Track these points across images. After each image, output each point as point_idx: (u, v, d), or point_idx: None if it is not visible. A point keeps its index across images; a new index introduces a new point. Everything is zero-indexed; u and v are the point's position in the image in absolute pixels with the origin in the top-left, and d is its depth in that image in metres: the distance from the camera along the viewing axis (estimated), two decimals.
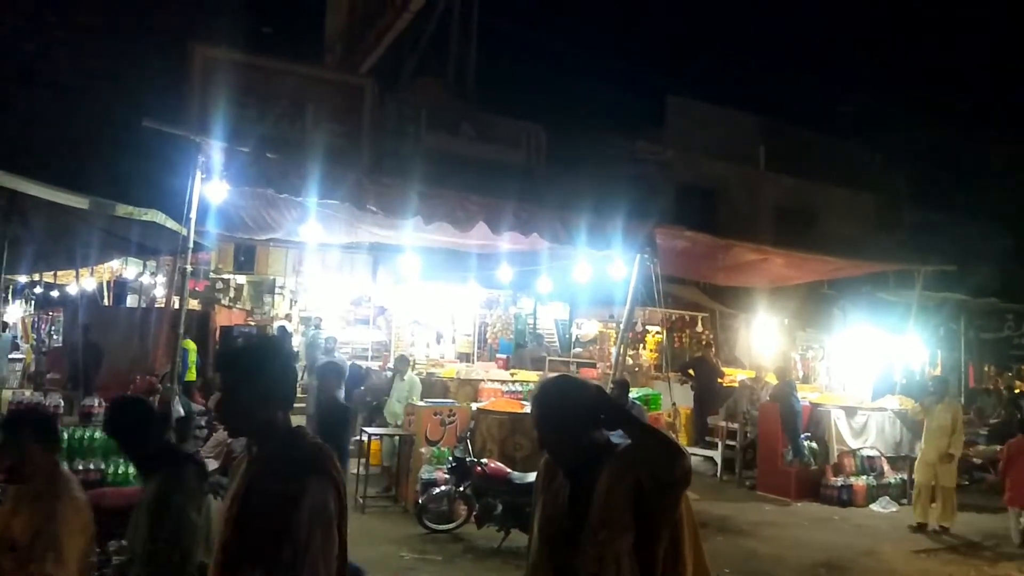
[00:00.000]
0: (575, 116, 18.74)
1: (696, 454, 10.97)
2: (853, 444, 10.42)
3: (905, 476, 10.31)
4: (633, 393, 9.43)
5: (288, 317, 14.17)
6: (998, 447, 10.09)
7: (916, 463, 9.18)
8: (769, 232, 15.81)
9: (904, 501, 9.94)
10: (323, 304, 14.08)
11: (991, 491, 10.18)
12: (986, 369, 16.39)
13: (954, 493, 8.71)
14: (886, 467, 10.43)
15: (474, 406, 9.08)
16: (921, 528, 8.65)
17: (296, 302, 14.49)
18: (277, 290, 14.74)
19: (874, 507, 9.77)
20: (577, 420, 2.22)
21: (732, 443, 11.19)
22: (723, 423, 11.29)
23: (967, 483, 10.76)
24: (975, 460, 11.29)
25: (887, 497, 9.94)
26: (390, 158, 12.74)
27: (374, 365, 12.04)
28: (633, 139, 17.45)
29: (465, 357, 13.14)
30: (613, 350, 11.51)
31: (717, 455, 11.21)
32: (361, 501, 8.08)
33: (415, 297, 13.36)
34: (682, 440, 10.82)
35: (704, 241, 10.21)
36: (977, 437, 11.73)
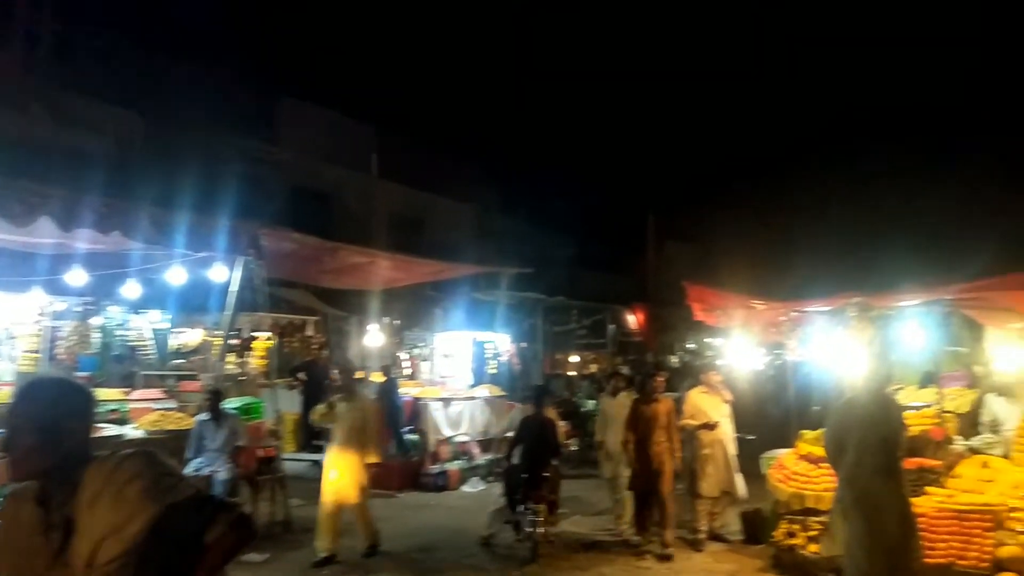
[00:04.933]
0: (181, 106, 17.40)
1: (303, 459, 10.97)
2: (449, 432, 11.41)
3: (492, 456, 11.62)
4: (234, 402, 9.07)
5: None
6: None
7: None
8: (382, 237, 16.54)
9: (491, 479, 11.20)
10: None
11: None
12: (557, 356, 19.34)
13: None
14: (477, 451, 11.65)
15: None
16: None
17: None
18: None
19: (465, 488, 10.84)
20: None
21: None
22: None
23: None
24: None
25: (477, 478, 11.11)
26: None
27: None
28: (247, 137, 16.79)
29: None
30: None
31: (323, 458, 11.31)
32: None
33: None
34: (288, 447, 10.73)
35: (311, 244, 10.24)
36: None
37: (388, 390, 10.93)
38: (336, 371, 8.34)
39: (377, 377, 11.72)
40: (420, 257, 12.03)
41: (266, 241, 9.09)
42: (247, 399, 9.64)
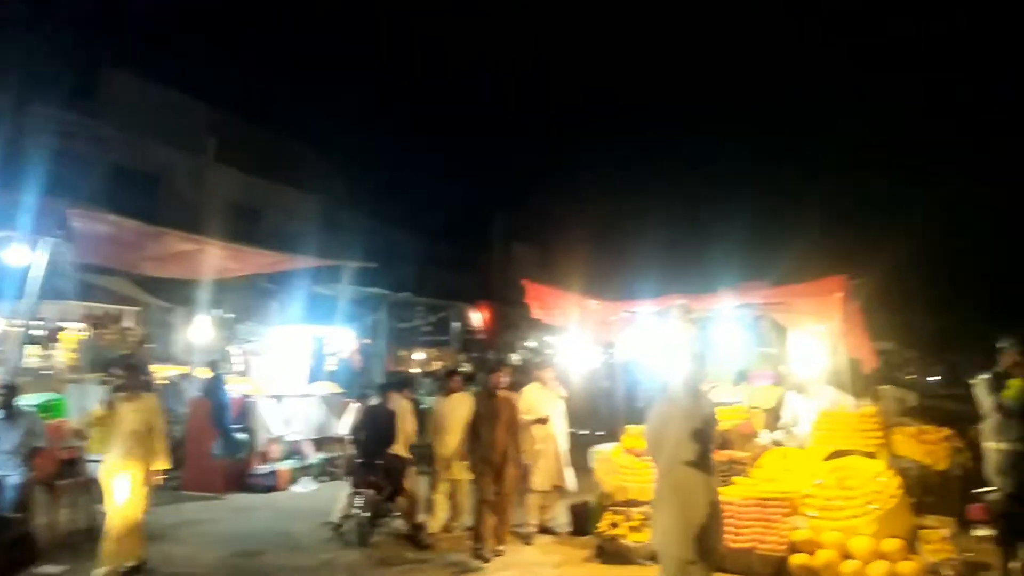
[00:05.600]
0: None
1: None
2: (281, 431, 10.94)
3: (326, 455, 11.26)
4: (32, 399, 8.19)
5: None
6: None
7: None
8: (217, 224, 15.56)
9: (324, 478, 10.86)
10: None
11: None
12: (401, 353, 19.14)
13: None
14: (310, 450, 11.25)
15: None
16: None
17: None
18: None
19: (296, 488, 10.44)
20: None
21: None
22: None
23: None
24: None
25: (309, 477, 10.73)
26: None
27: None
28: (63, 109, 15.25)
29: None
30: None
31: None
32: None
33: None
34: (97, 448, 9.80)
35: (131, 227, 9.43)
36: None
37: (214, 387, 10.30)
38: (119, 368, 7.55)
39: (203, 373, 11.02)
40: (256, 247, 11.42)
41: (78, 222, 8.29)
42: (48, 395, 8.73)
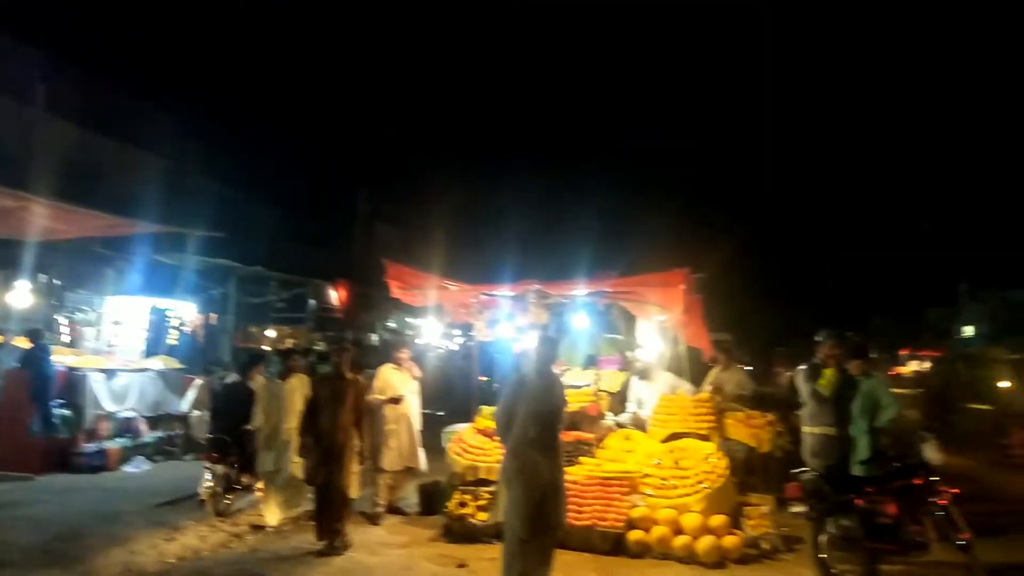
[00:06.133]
0: None
1: None
2: (112, 407, 10.17)
3: (162, 433, 10.60)
4: None
5: None
6: None
7: None
8: (48, 181, 14.13)
9: (159, 458, 10.22)
10: None
11: None
12: (251, 329, 18.28)
13: None
14: (144, 428, 10.54)
15: None
16: None
17: None
18: None
19: (128, 468, 9.76)
20: None
21: None
22: None
23: None
24: None
25: (142, 457, 10.06)
26: None
27: None
28: None
29: None
30: None
31: None
32: None
33: None
34: None
35: None
36: None
37: (35, 357, 9.40)
38: None
39: (22, 342, 10.03)
40: (89, 208, 10.46)
41: None
42: None
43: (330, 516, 6.68)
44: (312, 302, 19.78)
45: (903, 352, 26.80)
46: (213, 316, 15.76)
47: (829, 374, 7.03)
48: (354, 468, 6.87)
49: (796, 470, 6.45)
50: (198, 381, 11.14)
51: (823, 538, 5.76)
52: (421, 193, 25.48)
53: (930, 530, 6.01)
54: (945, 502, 6.17)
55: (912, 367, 25.82)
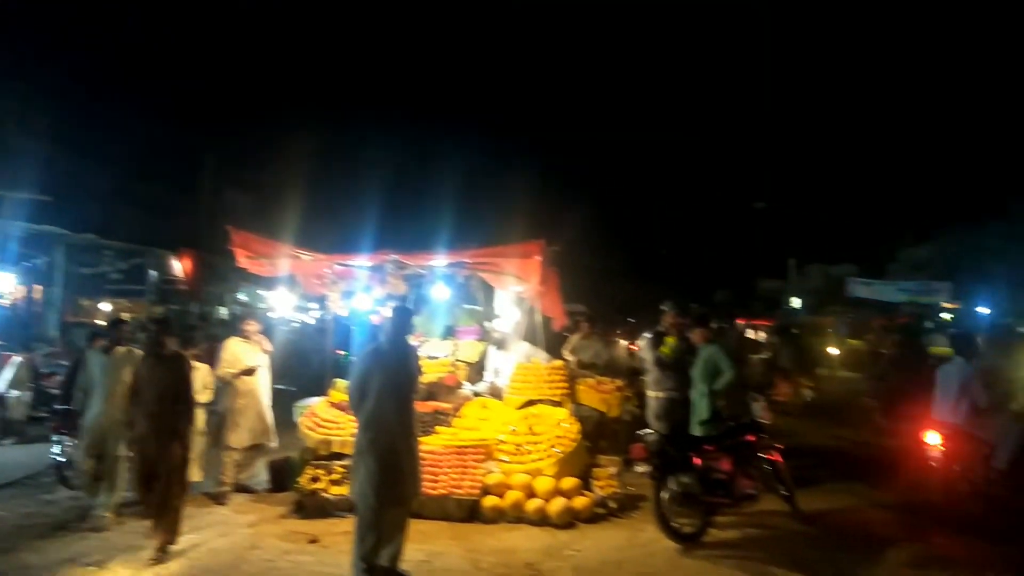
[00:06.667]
0: None
1: None
2: None
3: None
4: None
5: None
6: None
7: None
8: None
9: None
10: None
11: None
12: (83, 303, 16.82)
13: None
14: None
15: None
16: None
17: None
18: None
19: None
20: None
21: None
22: None
23: None
24: None
25: None
26: None
27: None
28: None
29: None
30: None
31: None
32: None
33: None
34: None
35: None
36: None
37: None
38: None
39: None
40: None
41: None
42: None
43: (158, 500, 5.89)
44: (154, 273, 18.48)
45: (739, 321, 28.82)
46: (37, 288, 14.35)
47: (671, 342, 7.42)
48: (191, 449, 6.37)
49: (641, 432, 6.79)
50: (16, 359, 10.12)
51: (665, 495, 6.10)
52: (275, 159, 24.30)
53: (759, 483, 6.54)
54: (772, 457, 6.73)
55: (749, 335, 27.84)
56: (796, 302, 34.33)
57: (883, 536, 6.26)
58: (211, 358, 7.94)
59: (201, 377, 7.52)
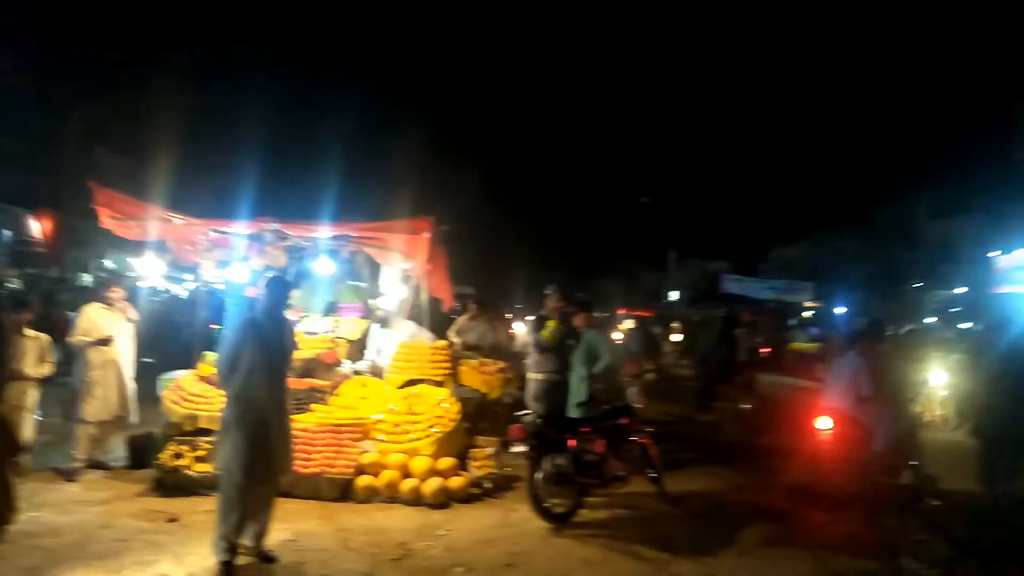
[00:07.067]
0: None
1: None
2: None
3: None
4: None
5: None
6: None
7: None
8: None
9: None
10: None
11: None
12: None
13: None
14: None
15: None
16: None
17: None
18: None
19: None
20: None
21: None
22: None
23: None
24: None
25: None
26: None
27: None
28: None
29: None
30: None
31: None
32: None
33: None
34: None
35: None
36: None
37: None
38: None
39: None
40: None
41: None
42: None
43: None
44: (7, 233, 16.96)
45: (621, 311, 29.75)
46: None
47: (552, 325, 7.53)
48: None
49: (520, 413, 6.85)
50: None
51: (539, 475, 6.18)
52: (149, 117, 22.73)
53: (629, 465, 6.75)
54: (642, 440, 6.97)
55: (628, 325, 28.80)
56: (674, 295, 35.79)
57: (745, 515, 6.60)
58: (65, 326, 7.36)
59: (37, 348, 6.94)
